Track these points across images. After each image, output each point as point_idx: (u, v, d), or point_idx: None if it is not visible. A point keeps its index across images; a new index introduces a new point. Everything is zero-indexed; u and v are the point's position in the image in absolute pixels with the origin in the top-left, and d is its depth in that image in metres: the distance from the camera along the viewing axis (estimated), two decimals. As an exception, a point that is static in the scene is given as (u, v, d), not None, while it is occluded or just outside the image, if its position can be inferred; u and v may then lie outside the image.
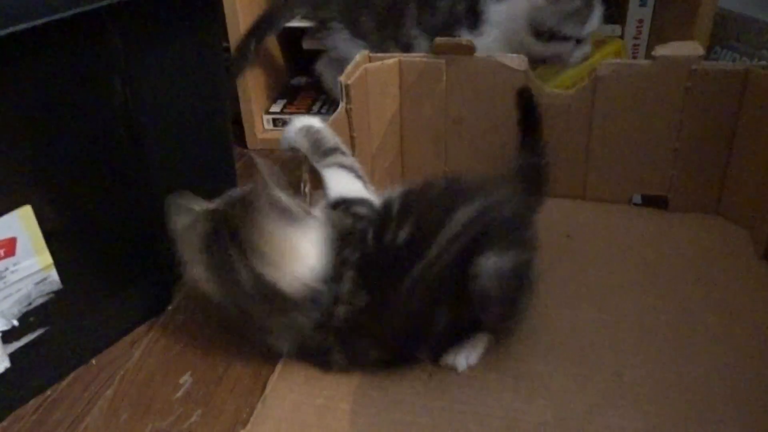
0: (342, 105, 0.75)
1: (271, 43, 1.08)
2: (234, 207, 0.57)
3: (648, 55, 1.06)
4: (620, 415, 0.54)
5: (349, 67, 0.76)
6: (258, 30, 0.94)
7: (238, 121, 1.01)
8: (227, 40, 0.95)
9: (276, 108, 1.05)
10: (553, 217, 0.76)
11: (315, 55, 1.10)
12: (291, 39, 1.10)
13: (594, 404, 0.56)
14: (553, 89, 0.80)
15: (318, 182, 0.67)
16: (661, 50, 0.73)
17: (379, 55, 0.79)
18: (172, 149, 0.69)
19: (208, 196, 0.61)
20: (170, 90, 0.67)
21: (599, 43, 1.03)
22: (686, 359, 0.59)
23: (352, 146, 0.77)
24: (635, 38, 1.06)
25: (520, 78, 0.76)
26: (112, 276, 0.67)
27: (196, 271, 0.57)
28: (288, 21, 0.97)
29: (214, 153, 0.76)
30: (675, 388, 0.57)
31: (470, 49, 0.77)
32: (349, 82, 0.74)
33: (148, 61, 0.63)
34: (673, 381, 0.57)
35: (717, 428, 0.53)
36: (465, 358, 0.62)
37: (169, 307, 0.73)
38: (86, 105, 0.59)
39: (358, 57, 0.78)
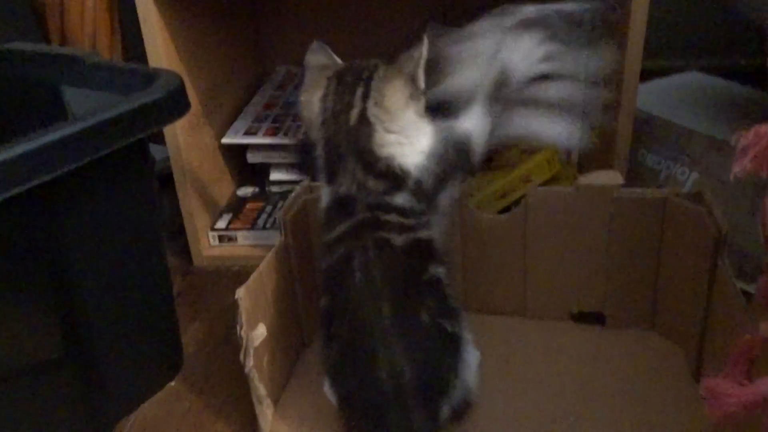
0: (279, 239, 0.75)
1: (215, 157, 1.08)
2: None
3: (582, 157, 1.11)
4: None
5: (290, 200, 0.77)
6: None
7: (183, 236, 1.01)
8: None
9: (221, 224, 1.05)
10: (494, 335, 0.79)
11: (262, 166, 1.11)
12: (236, 151, 1.12)
13: None
14: (484, 204, 0.83)
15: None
16: (583, 180, 0.76)
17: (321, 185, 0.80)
18: (108, 297, 0.69)
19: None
20: (105, 242, 0.67)
21: (531, 150, 1.06)
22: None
23: (292, 281, 0.77)
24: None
25: (456, 204, 0.77)
26: None
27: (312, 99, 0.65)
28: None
29: (153, 297, 0.76)
30: None
31: None
32: (286, 217, 0.74)
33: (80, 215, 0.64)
34: None
35: None
36: None
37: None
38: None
39: (299, 189, 0.78)
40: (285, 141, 1.06)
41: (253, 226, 1.04)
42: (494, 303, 0.83)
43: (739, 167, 0.49)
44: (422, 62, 0.64)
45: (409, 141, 0.64)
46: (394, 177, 0.64)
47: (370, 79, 0.64)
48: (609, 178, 0.76)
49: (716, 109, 1.04)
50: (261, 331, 0.67)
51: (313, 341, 0.82)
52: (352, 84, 0.64)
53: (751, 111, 1.03)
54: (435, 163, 0.65)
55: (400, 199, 0.64)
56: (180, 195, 0.98)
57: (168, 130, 0.94)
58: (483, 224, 0.80)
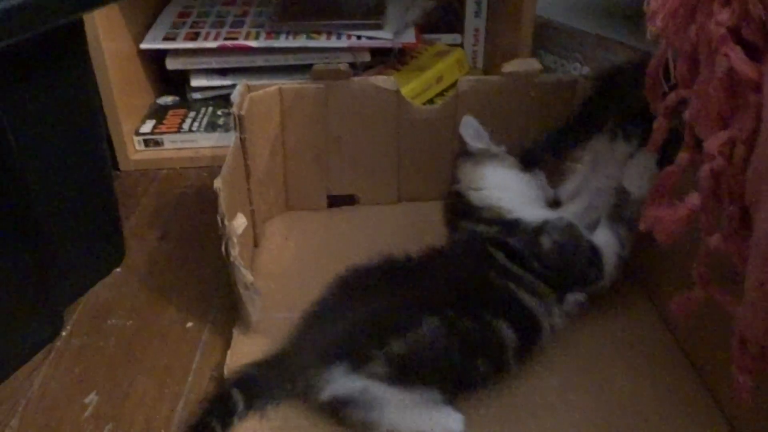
0: (236, 135, 0.76)
1: (133, 63, 1.05)
2: None
3: (486, 62, 1.18)
4: None
5: (237, 99, 0.77)
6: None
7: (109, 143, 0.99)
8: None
9: (146, 128, 1.03)
10: (431, 219, 0.81)
11: (179, 73, 1.10)
12: (154, 59, 1.09)
13: None
14: (409, 98, 0.87)
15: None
16: (508, 67, 0.81)
17: (259, 83, 0.80)
18: (51, 181, 0.68)
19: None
20: (46, 127, 0.66)
21: (443, 53, 1.11)
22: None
23: (248, 174, 0.78)
24: (473, 46, 1.16)
25: (393, 97, 0.81)
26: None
27: None
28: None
29: (94, 182, 0.75)
30: None
31: (347, 74, 0.80)
32: (242, 112, 0.75)
33: (21, 101, 0.62)
34: None
35: None
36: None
37: (63, 333, 0.71)
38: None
39: (240, 88, 0.78)
40: (205, 45, 1.05)
41: (179, 129, 1.03)
42: (428, 190, 0.88)
43: (653, 28, 0.55)
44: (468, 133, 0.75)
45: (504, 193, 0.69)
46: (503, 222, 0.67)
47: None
48: (529, 65, 0.82)
49: (603, 13, 1.14)
50: (241, 221, 0.67)
51: (259, 242, 0.84)
52: None
53: (633, 15, 1.13)
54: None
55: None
56: (103, 100, 0.95)
57: (89, 34, 0.90)
58: (416, 114, 0.84)
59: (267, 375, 0.60)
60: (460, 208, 0.71)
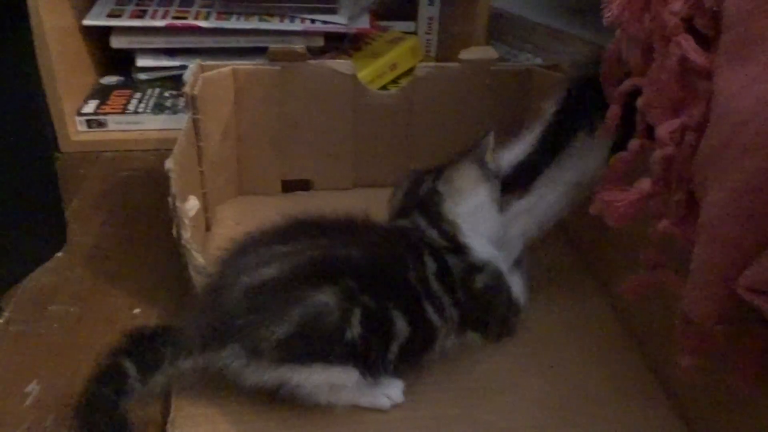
0: (189, 116, 0.74)
1: (76, 41, 1.01)
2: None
3: (439, 50, 1.18)
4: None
5: (190, 79, 0.74)
6: None
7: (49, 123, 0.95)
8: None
9: (89, 109, 0.99)
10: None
11: (124, 53, 1.06)
12: (98, 37, 1.05)
13: None
14: (368, 86, 0.87)
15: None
16: (465, 54, 0.82)
17: (213, 63, 0.78)
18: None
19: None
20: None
21: (397, 40, 1.11)
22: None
23: (200, 156, 0.76)
24: (427, 34, 1.16)
25: (350, 81, 0.81)
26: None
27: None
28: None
29: (34, 162, 0.72)
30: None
31: (303, 56, 0.79)
32: (194, 92, 0.73)
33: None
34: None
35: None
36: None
37: (0, 320, 0.68)
38: None
39: (193, 68, 0.76)
40: (152, 24, 1.01)
41: (124, 110, 0.99)
42: (384, 176, 0.87)
43: (608, 16, 0.56)
44: (490, 148, 0.67)
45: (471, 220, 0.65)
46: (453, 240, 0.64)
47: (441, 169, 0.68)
48: (485, 52, 0.82)
49: (554, 5, 1.16)
50: (193, 203, 0.65)
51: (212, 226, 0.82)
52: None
53: (584, 8, 1.15)
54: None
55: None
56: (44, 78, 0.91)
57: (31, 9, 0.86)
58: (373, 100, 0.83)
59: (159, 345, 0.56)
60: (426, 203, 0.67)
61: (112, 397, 0.53)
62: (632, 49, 0.57)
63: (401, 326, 0.58)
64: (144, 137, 0.98)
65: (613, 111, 0.62)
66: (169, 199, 0.63)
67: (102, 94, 1.02)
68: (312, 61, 0.80)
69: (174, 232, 0.63)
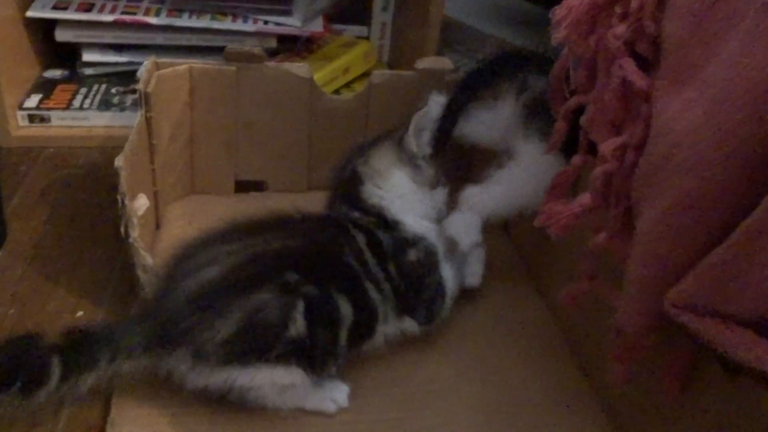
0: (141, 113, 0.73)
1: (18, 32, 0.98)
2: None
3: (391, 56, 1.19)
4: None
5: (144, 75, 0.74)
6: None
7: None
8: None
9: (31, 103, 0.96)
10: None
11: (70, 47, 1.04)
12: (42, 29, 1.02)
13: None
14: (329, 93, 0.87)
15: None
16: (421, 64, 0.84)
17: (168, 61, 0.77)
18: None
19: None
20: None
21: (350, 44, 1.12)
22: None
23: (152, 154, 0.75)
24: (380, 39, 1.17)
25: (306, 85, 0.81)
26: None
27: None
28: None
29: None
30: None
31: (260, 58, 0.79)
32: (148, 90, 0.72)
33: None
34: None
35: None
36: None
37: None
38: None
39: (147, 64, 0.75)
40: (100, 18, 0.99)
41: (68, 106, 0.97)
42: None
43: (557, 35, 0.58)
44: (413, 128, 0.68)
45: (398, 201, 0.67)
46: (381, 218, 0.66)
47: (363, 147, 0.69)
48: (441, 63, 0.84)
49: (506, 18, 1.19)
50: (143, 201, 0.65)
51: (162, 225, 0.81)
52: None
53: (532, 20, 1.19)
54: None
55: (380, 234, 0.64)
56: (-17, 69, 0.88)
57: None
58: (329, 104, 0.84)
59: (97, 344, 0.55)
60: (347, 187, 0.68)
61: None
62: (578, 68, 0.60)
63: (346, 310, 0.59)
64: (89, 134, 0.96)
65: (559, 126, 0.65)
66: (118, 197, 0.62)
67: (45, 88, 1.00)
68: (269, 63, 0.80)
69: (122, 230, 0.62)
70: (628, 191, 0.51)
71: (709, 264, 0.41)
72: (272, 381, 0.56)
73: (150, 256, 0.62)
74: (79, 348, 0.55)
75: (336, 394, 0.61)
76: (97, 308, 0.70)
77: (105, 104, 0.98)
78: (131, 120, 0.95)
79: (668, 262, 0.45)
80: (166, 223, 0.81)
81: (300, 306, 0.56)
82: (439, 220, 0.70)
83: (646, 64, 0.51)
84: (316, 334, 0.57)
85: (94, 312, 0.69)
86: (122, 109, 0.98)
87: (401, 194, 0.68)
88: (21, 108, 0.95)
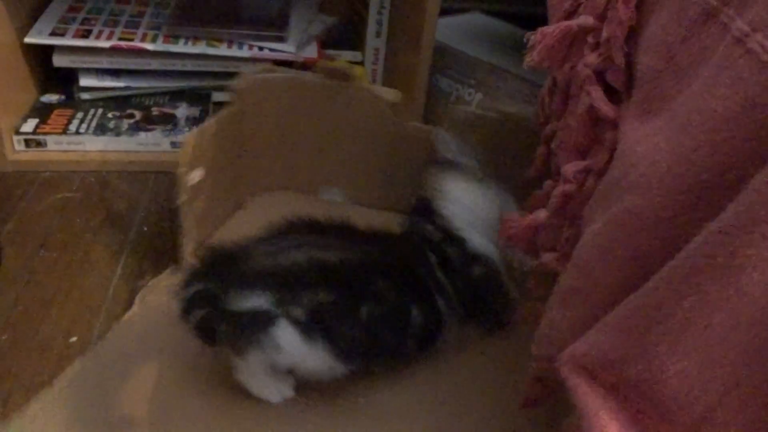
0: (232, 108, 0.81)
1: (16, 58, 0.99)
2: None
3: (385, 81, 1.21)
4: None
5: (242, 75, 0.83)
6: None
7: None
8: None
9: (27, 128, 0.97)
10: None
11: (67, 72, 1.05)
12: (39, 54, 1.04)
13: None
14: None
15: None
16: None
17: (274, 66, 0.88)
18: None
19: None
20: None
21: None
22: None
23: (241, 143, 0.84)
24: (373, 64, 1.19)
25: (392, 108, 0.86)
26: None
27: None
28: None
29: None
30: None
31: (350, 77, 0.85)
32: (240, 85, 0.81)
33: None
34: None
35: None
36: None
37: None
38: None
39: (260, 66, 0.86)
40: (97, 44, 1.01)
41: (65, 130, 0.98)
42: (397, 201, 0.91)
43: (530, 59, 0.60)
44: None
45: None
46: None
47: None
48: (392, 94, 0.87)
49: (496, 43, 1.21)
50: (198, 173, 0.73)
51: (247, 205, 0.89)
52: None
53: (522, 46, 1.20)
54: None
55: None
56: (-19, 94, 0.89)
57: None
58: (412, 131, 0.87)
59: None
60: (420, 207, 0.74)
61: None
62: (555, 94, 0.61)
63: (416, 317, 0.64)
64: (85, 158, 0.97)
65: (540, 151, 0.66)
66: (179, 166, 0.71)
67: (42, 112, 1.01)
68: (359, 83, 0.87)
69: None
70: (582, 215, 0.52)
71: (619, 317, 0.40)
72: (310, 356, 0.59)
73: (189, 222, 0.72)
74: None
75: (282, 386, 0.64)
76: (90, 334, 0.70)
77: (101, 129, 0.99)
78: (126, 145, 0.98)
79: (590, 277, 0.45)
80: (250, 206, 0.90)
81: (371, 308, 0.61)
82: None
83: (615, 94, 0.52)
84: (380, 336, 0.62)
85: (87, 338, 0.70)
86: (118, 134, 0.99)
87: (459, 200, 0.72)
88: (17, 132, 0.96)
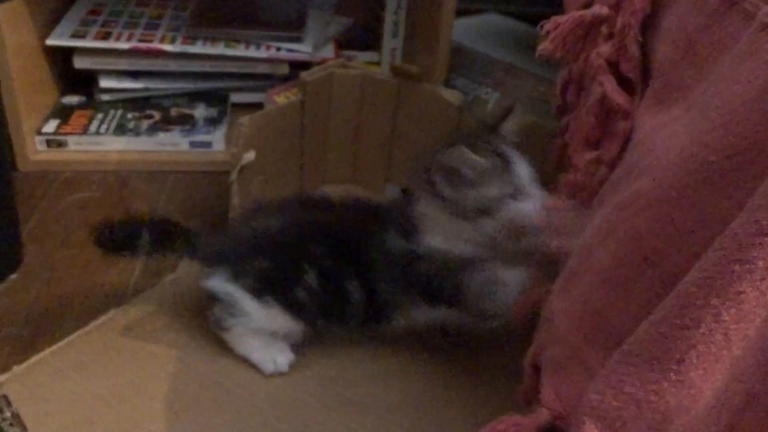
0: (299, 96, 0.85)
1: (38, 60, 1.01)
2: None
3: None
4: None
5: (318, 67, 0.87)
6: None
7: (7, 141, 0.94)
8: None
9: (49, 128, 0.99)
10: None
11: (87, 74, 1.06)
12: (60, 56, 1.05)
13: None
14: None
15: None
16: None
17: (347, 62, 0.91)
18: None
19: None
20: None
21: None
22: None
23: (302, 134, 0.88)
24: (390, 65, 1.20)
25: (454, 110, 0.87)
26: None
27: None
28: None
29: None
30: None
31: (418, 77, 0.88)
32: (308, 78, 0.85)
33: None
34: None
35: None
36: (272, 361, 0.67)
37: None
38: None
39: (331, 62, 0.90)
40: (117, 46, 1.02)
41: (85, 131, 0.99)
42: None
43: (543, 47, 0.59)
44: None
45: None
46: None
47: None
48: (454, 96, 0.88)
49: (512, 43, 1.20)
50: (250, 155, 0.77)
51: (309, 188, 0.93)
52: None
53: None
54: None
55: None
56: (4, 96, 0.90)
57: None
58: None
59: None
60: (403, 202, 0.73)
61: None
62: (569, 86, 0.61)
63: (355, 293, 0.66)
64: (105, 158, 0.99)
65: (557, 143, 0.66)
66: (232, 147, 0.76)
67: (63, 113, 1.02)
68: (425, 84, 0.89)
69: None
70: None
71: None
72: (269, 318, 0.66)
73: (237, 198, 0.75)
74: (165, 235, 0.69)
75: (279, 357, 0.67)
76: (109, 330, 0.71)
77: (120, 129, 1.00)
78: (145, 145, 0.99)
79: (588, 260, 0.44)
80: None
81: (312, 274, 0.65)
82: None
83: (629, 84, 0.51)
84: (325, 301, 0.66)
85: (106, 333, 0.71)
86: (137, 135, 1.00)
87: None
88: (39, 133, 0.98)
